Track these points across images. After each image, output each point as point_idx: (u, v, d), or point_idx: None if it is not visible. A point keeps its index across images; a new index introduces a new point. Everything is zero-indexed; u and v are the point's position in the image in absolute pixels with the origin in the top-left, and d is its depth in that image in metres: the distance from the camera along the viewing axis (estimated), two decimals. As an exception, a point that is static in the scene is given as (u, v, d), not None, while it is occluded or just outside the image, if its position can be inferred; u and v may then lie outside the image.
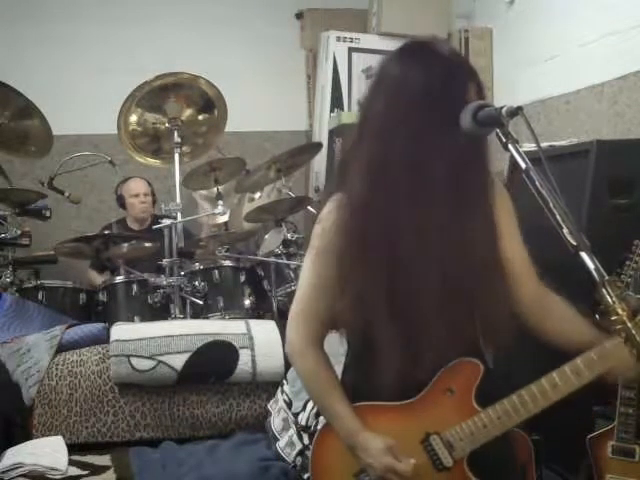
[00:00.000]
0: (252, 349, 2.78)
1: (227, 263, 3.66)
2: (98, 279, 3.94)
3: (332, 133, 4.70)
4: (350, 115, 4.60)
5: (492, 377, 1.45)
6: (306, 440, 2.37)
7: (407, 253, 1.36)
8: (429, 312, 1.37)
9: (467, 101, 1.33)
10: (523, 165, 1.22)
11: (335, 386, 1.49)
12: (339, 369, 2.43)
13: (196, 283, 3.50)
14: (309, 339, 1.50)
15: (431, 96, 1.33)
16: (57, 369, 2.72)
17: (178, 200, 3.65)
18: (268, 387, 2.78)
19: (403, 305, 1.37)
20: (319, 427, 1.62)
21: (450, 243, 1.37)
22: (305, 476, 2.33)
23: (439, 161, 1.33)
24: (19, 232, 3.58)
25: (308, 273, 1.49)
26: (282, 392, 2.65)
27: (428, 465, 1.42)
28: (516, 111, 1.24)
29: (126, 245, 3.48)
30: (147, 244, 3.51)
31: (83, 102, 4.58)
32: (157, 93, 3.72)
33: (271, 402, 2.72)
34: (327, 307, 1.46)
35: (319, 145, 4.24)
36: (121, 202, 4.34)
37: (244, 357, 2.76)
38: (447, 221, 1.36)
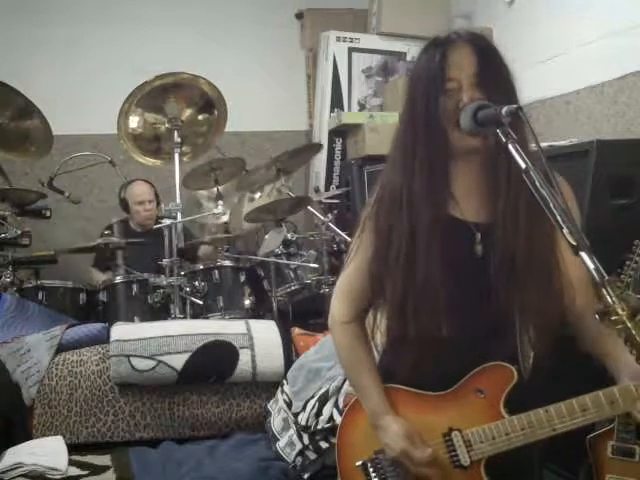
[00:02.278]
0: (252, 349, 2.78)
1: (227, 263, 3.66)
2: (100, 277, 3.94)
3: (332, 133, 4.71)
4: (350, 115, 4.60)
5: (525, 388, 1.41)
6: (306, 440, 2.37)
7: (452, 249, 1.38)
8: (470, 308, 1.38)
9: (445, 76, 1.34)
10: (523, 165, 1.21)
11: (368, 364, 1.52)
12: (335, 371, 2.43)
13: (196, 283, 3.50)
14: (350, 313, 1.54)
15: (426, 81, 1.36)
16: (57, 369, 2.72)
17: (178, 200, 3.65)
18: (268, 387, 2.78)
19: (445, 299, 1.37)
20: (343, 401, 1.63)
21: (503, 243, 1.37)
22: (305, 476, 2.33)
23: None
24: (19, 232, 3.58)
25: (354, 252, 1.52)
26: (282, 392, 2.65)
27: (446, 459, 1.42)
28: (516, 111, 1.24)
29: (127, 246, 3.49)
30: (148, 245, 3.52)
31: (83, 102, 4.58)
32: (157, 93, 3.72)
33: (271, 402, 2.72)
34: (367, 287, 1.50)
35: (319, 146, 4.25)
36: (124, 205, 4.27)
37: (244, 357, 2.76)
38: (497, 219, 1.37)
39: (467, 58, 1.35)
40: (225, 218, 4.03)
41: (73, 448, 2.55)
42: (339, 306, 1.56)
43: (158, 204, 4.27)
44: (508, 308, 1.38)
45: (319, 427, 2.34)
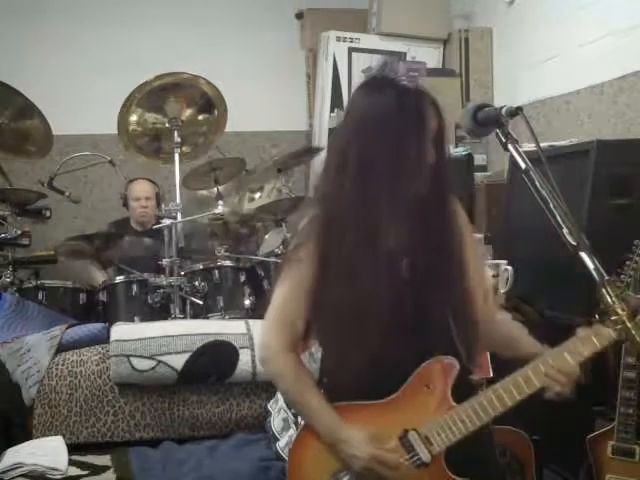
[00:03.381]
0: (252, 349, 2.78)
1: (227, 263, 3.65)
2: (99, 275, 3.94)
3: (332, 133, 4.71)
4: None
5: (469, 375, 1.51)
6: (306, 440, 2.37)
7: (379, 263, 1.42)
8: (403, 312, 1.42)
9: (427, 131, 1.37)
10: (523, 165, 1.22)
11: (313, 385, 1.52)
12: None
13: (196, 283, 3.50)
14: (286, 344, 1.53)
15: (390, 128, 1.39)
16: (57, 369, 2.72)
17: (178, 200, 3.65)
18: (268, 387, 2.77)
19: (375, 307, 1.40)
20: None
21: (424, 261, 1.44)
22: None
23: (407, 189, 1.41)
24: (19, 232, 3.58)
25: (283, 283, 1.53)
26: (282, 392, 2.65)
27: (406, 462, 1.43)
28: (516, 111, 1.24)
29: (126, 245, 3.49)
30: (147, 245, 3.52)
31: (83, 102, 4.58)
32: (157, 93, 3.72)
33: (271, 402, 2.72)
34: (301, 315, 1.51)
35: (318, 149, 4.25)
36: (124, 202, 4.31)
37: (244, 357, 2.76)
38: (415, 235, 1.45)
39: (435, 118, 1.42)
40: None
41: (73, 448, 2.55)
42: (275, 336, 1.54)
43: (159, 204, 4.27)
44: (439, 313, 1.45)
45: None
